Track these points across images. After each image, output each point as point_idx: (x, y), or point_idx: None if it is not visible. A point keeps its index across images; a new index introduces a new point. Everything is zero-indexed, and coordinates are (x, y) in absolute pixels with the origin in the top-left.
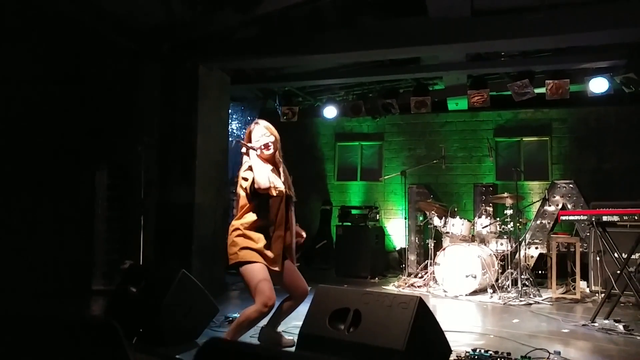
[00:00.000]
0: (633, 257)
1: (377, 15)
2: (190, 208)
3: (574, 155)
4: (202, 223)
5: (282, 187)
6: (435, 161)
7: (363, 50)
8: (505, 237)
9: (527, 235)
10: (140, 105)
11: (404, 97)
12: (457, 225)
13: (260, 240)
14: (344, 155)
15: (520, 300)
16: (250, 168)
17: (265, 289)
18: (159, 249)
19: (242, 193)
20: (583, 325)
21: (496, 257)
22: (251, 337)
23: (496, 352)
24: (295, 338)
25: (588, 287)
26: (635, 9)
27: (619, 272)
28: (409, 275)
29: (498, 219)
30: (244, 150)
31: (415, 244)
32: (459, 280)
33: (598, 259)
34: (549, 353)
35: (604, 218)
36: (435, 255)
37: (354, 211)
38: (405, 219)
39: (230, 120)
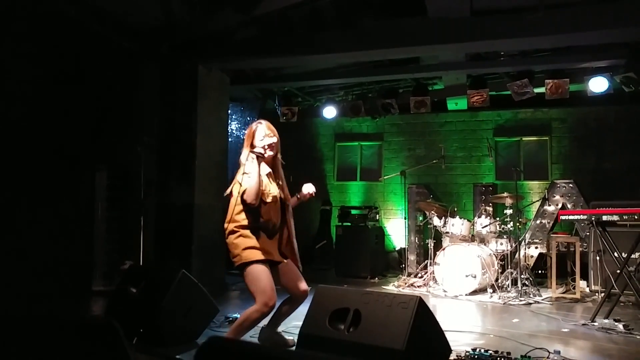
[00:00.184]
0: (633, 256)
1: (376, 15)
2: (190, 208)
3: (573, 155)
4: (202, 223)
5: (276, 193)
6: (434, 161)
7: (363, 51)
8: (505, 236)
9: (526, 235)
10: (140, 105)
11: (403, 97)
12: (456, 225)
13: (258, 237)
14: (344, 156)
15: (520, 300)
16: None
17: (267, 289)
18: (159, 250)
19: (235, 194)
20: (583, 324)
21: (496, 257)
22: (251, 337)
23: (496, 352)
24: (295, 338)
25: (588, 286)
26: (635, 8)
27: (618, 271)
28: (409, 275)
29: (498, 218)
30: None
31: (415, 244)
32: (458, 280)
33: (598, 258)
34: (549, 352)
35: (604, 217)
36: (435, 255)
37: (353, 211)
38: (405, 219)
39: (229, 121)
